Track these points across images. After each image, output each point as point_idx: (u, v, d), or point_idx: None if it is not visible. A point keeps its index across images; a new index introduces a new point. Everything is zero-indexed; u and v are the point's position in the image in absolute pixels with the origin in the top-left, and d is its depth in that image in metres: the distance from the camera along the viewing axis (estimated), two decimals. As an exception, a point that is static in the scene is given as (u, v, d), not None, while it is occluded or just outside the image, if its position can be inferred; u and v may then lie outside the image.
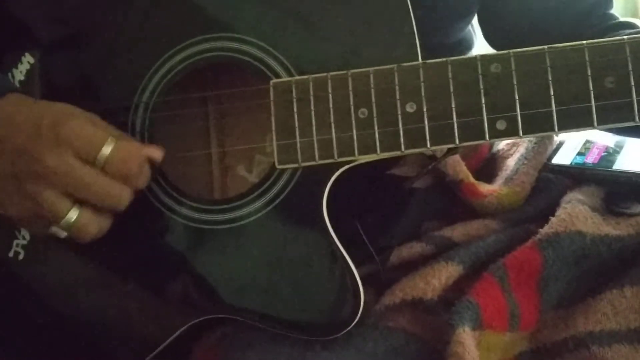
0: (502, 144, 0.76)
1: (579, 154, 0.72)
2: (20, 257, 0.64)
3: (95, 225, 0.56)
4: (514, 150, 0.74)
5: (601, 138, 0.74)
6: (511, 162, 0.73)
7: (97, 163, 0.54)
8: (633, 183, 0.67)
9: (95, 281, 0.63)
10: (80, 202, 0.55)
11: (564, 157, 0.72)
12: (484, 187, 0.69)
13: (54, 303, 0.65)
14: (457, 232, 0.67)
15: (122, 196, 0.56)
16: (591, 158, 0.71)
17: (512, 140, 0.75)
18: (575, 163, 0.71)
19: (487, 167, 0.75)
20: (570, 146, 0.74)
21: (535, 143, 0.73)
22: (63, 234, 0.56)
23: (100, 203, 0.56)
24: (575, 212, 0.63)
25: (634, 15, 1.82)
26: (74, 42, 0.64)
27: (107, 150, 0.54)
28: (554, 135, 0.75)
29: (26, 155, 0.54)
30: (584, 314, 0.61)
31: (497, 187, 0.70)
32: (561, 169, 0.71)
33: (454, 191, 0.69)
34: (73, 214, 0.55)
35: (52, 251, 0.63)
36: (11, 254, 0.64)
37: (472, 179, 0.69)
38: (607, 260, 0.62)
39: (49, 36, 0.64)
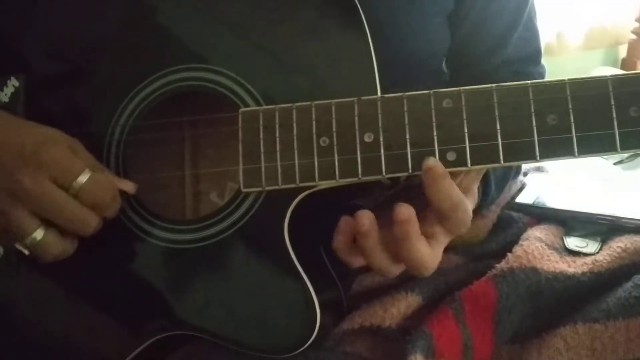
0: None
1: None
2: (-7, 269, 0.66)
3: (58, 247, 0.58)
4: (480, 189, 0.77)
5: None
6: (477, 200, 0.75)
7: (71, 190, 0.57)
8: (592, 223, 0.70)
9: (64, 297, 0.65)
10: (47, 224, 0.57)
11: (527, 197, 0.75)
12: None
13: (23, 317, 0.66)
14: (419, 264, 0.69)
15: (90, 223, 0.58)
16: (552, 198, 0.74)
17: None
18: (537, 202, 0.74)
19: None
20: (534, 186, 0.76)
21: (500, 182, 0.76)
22: (26, 252, 0.58)
23: (68, 226, 0.58)
24: (531, 249, 0.65)
25: (615, 65, 1.87)
26: (62, 72, 0.67)
27: (82, 179, 0.57)
28: (520, 175, 0.77)
29: (5, 172, 0.56)
30: (538, 348, 0.62)
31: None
32: (524, 207, 0.74)
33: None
34: (39, 234, 0.57)
35: (25, 266, 0.64)
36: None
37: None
38: (561, 297, 0.64)
39: (42, 68, 0.67)
